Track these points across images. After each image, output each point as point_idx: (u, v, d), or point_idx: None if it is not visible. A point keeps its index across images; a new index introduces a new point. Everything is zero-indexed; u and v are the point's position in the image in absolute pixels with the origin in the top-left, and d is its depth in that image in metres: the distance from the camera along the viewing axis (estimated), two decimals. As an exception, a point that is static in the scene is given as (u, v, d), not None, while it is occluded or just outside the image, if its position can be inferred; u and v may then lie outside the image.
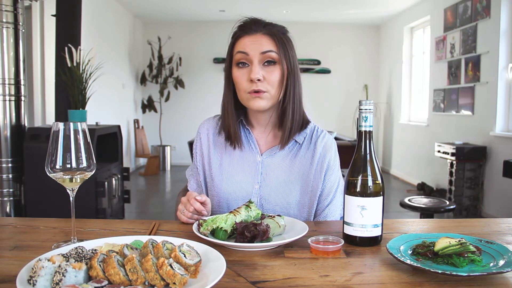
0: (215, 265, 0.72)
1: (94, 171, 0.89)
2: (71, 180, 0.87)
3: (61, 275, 0.62)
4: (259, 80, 1.10)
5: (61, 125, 0.85)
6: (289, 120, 1.16)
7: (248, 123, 1.23)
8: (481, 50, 4.55)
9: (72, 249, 0.71)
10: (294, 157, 1.20)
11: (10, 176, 2.52)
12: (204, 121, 1.29)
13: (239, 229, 0.89)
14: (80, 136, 0.86)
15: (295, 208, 1.16)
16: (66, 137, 0.85)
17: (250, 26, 1.14)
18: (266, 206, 1.16)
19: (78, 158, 0.86)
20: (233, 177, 1.19)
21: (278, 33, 1.14)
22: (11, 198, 2.53)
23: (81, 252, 0.70)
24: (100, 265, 0.67)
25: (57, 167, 0.85)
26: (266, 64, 1.12)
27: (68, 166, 0.85)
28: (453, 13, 5.13)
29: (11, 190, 2.53)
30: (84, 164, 0.87)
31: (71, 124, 0.86)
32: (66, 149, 0.85)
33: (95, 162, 0.89)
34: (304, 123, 1.21)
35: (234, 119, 1.19)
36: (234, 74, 1.14)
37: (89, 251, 0.72)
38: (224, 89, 1.20)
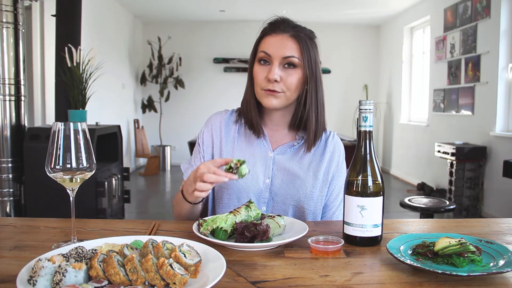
0: (215, 265, 0.72)
1: (94, 171, 0.89)
2: (71, 180, 0.87)
3: (61, 275, 0.62)
4: (276, 81, 1.12)
5: (61, 125, 0.85)
6: (313, 124, 1.19)
7: (261, 120, 1.25)
8: (481, 50, 4.55)
9: (72, 249, 0.71)
10: (304, 153, 1.23)
11: (10, 176, 2.52)
12: (216, 113, 1.30)
13: (239, 229, 0.89)
14: (80, 136, 0.86)
15: (305, 201, 1.18)
16: (66, 137, 0.85)
17: (278, 26, 1.15)
18: (277, 200, 1.18)
19: (78, 158, 0.86)
20: None
21: (304, 38, 1.15)
22: (11, 198, 2.53)
23: (81, 252, 0.70)
24: (100, 265, 0.67)
25: (57, 167, 0.85)
26: (286, 66, 1.14)
27: (68, 166, 0.85)
28: (453, 13, 5.13)
29: (11, 190, 2.53)
30: (84, 164, 0.87)
31: (71, 124, 0.86)
32: (66, 149, 0.85)
33: (95, 162, 0.89)
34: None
35: (256, 111, 1.21)
36: (254, 69, 1.17)
37: (89, 251, 0.72)
38: (247, 83, 1.23)
